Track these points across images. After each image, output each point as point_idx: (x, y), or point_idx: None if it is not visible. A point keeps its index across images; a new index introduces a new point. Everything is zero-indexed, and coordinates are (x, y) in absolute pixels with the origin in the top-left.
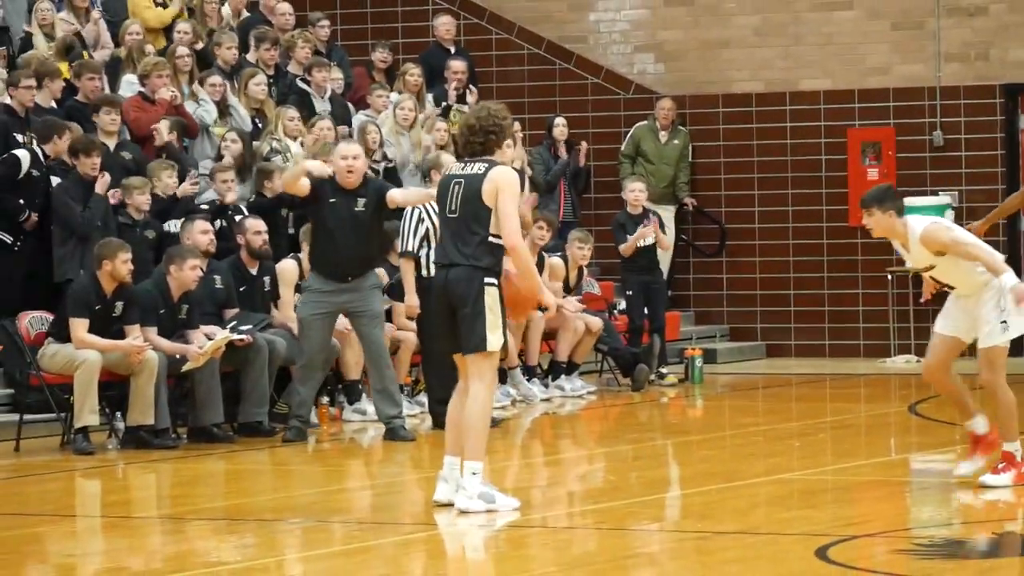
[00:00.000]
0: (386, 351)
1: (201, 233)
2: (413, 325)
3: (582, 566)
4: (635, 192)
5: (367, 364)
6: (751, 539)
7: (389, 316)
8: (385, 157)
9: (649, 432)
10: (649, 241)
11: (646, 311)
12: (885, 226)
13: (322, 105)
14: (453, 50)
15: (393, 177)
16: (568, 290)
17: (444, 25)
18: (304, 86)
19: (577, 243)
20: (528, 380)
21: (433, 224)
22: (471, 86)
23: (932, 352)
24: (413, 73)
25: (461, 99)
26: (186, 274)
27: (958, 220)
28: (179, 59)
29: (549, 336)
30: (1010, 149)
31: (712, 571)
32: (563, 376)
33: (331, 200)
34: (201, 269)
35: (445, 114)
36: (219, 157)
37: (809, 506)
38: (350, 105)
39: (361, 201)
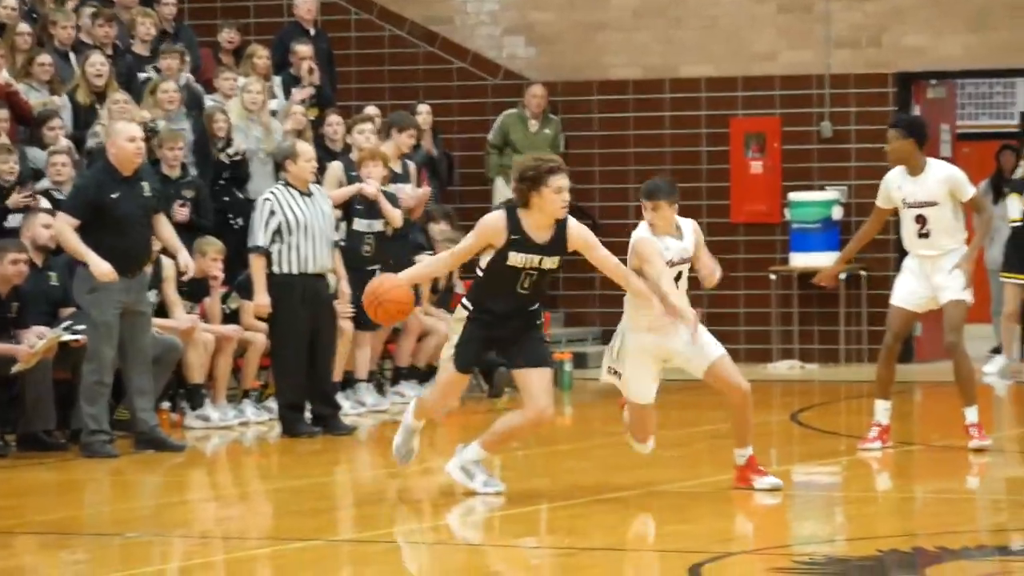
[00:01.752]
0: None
1: (43, 227)
2: (262, 325)
3: None
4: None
5: (130, 369)
6: (620, 556)
7: (237, 316)
8: (229, 144)
9: (513, 442)
10: None
11: None
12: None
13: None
14: (312, 31)
15: (242, 167)
16: (436, 290)
17: (304, 4)
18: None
19: (447, 243)
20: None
21: (287, 218)
22: (314, 70)
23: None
24: (261, 55)
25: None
26: (6, 268)
27: (845, 216)
28: (18, 36)
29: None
30: None
31: None
32: (403, 382)
33: (112, 195)
34: (36, 264)
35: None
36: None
37: (684, 520)
38: (199, 87)
39: (146, 187)
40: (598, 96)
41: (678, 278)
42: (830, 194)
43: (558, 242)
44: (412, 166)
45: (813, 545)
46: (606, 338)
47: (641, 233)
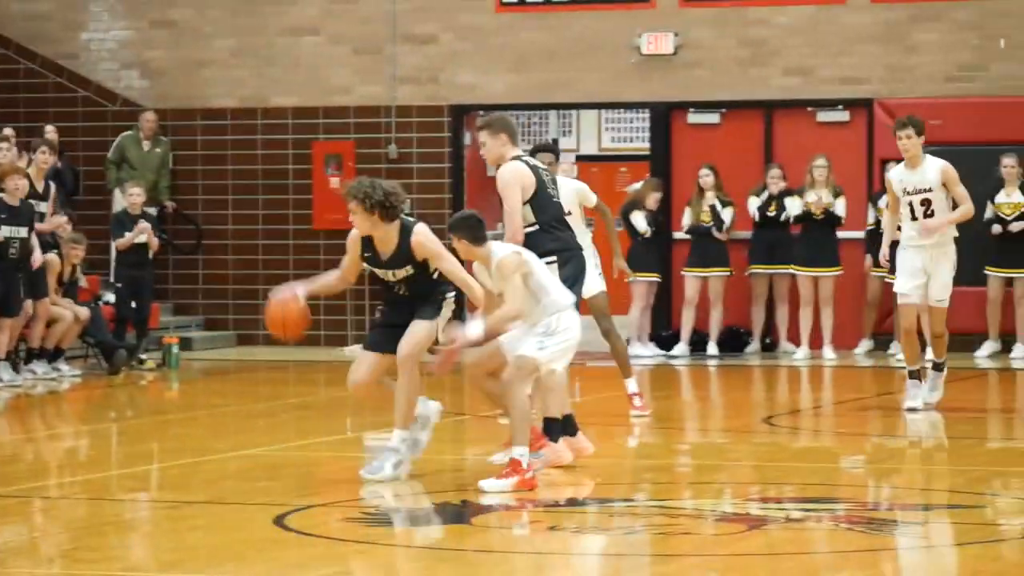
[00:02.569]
0: None
1: None
2: None
3: (65, 532)
4: (134, 196)
5: None
6: (218, 508)
7: None
8: None
9: (129, 411)
10: (143, 239)
11: (133, 304)
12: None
13: None
14: None
15: None
16: (61, 282)
17: None
18: None
19: (72, 244)
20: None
21: None
22: None
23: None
24: None
25: None
26: None
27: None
28: None
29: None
30: (456, 164)
31: (181, 537)
32: (35, 361)
33: None
34: None
35: None
36: None
37: (271, 479)
38: None
39: None
40: (202, 121)
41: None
42: None
43: (403, 254)
44: (53, 188)
45: (377, 499)
46: (209, 325)
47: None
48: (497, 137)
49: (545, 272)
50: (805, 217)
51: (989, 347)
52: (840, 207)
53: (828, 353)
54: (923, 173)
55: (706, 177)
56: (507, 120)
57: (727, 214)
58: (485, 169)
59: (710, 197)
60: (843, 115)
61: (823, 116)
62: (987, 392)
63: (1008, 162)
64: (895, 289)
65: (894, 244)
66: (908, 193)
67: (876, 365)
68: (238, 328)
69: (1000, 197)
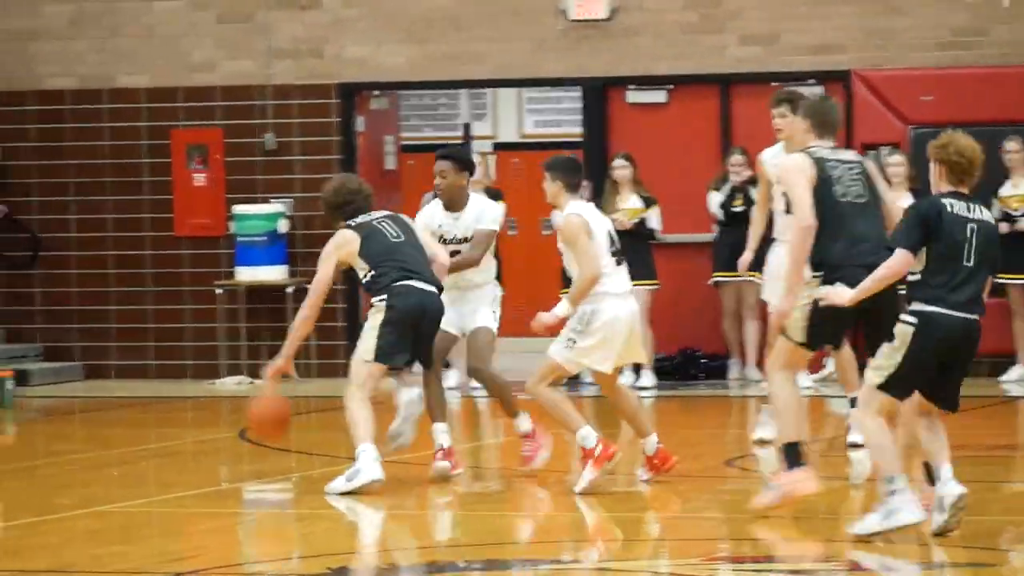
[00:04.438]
0: None
1: None
2: None
3: None
4: None
5: None
6: None
7: None
8: None
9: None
10: None
11: None
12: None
13: None
14: None
15: None
16: None
17: None
18: None
19: None
20: None
21: None
22: None
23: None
24: None
25: None
26: None
27: (291, 229)
28: None
29: None
30: (347, 155)
31: None
32: None
33: None
34: None
35: None
36: None
37: (128, 542)
38: None
39: None
40: (34, 107)
41: None
42: (275, 207)
43: None
44: None
45: (263, 564)
46: (50, 355)
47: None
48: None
49: (603, 248)
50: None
51: (1018, 371)
52: None
53: (805, 380)
54: None
55: (622, 169)
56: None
57: (654, 216)
58: (381, 161)
59: (627, 194)
60: (815, 91)
61: None
62: (1012, 425)
63: (1013, 147)
64: (764, 297)
65: (768, 242)
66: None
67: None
68: (86, 358)
69: (1006, 189)
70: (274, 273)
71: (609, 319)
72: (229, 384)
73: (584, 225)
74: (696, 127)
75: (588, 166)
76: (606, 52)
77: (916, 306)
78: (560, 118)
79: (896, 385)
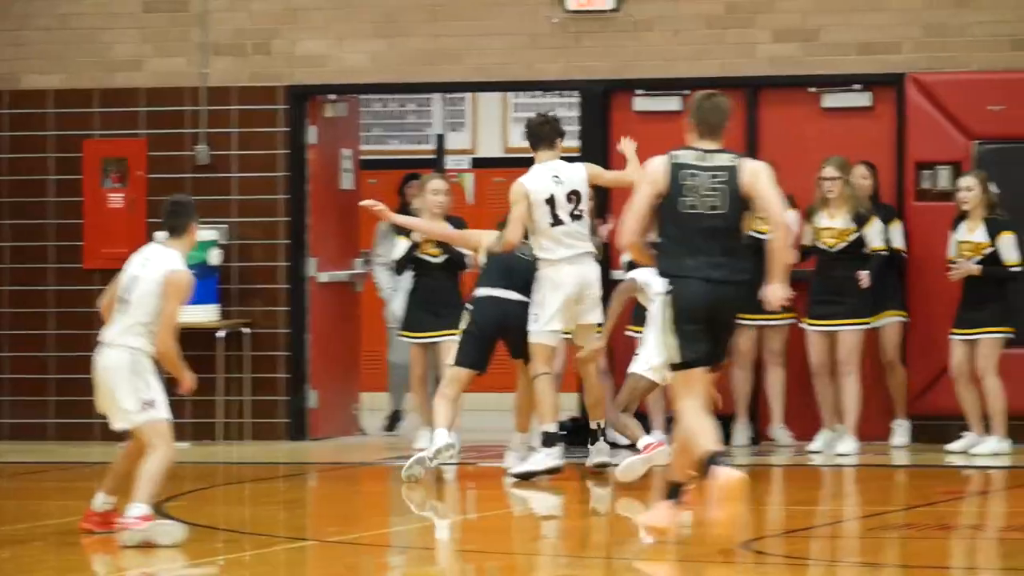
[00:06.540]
0: None
1: None
2: None
3: None
4: None
5: None
6: None
7: None
8: None
9: None
10: None
11: None
12: None
13: None
14: None
15: None
16: None
17: None
18: None
19: None
20: None
21: None
22: None
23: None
24: None
25: None
26: None
27: (226, 261)
28: None
29: None
30: (295, 171)
31: None
32: None
33: None
34: None
35: None
36: None
37: None
38: None
39: None
40: None
41: None
42: (207, 234)
43: None
44: None
45: None
46: None
47: None
48: None
49: None
50: (815, 249)
51: None
52: (876, 234)
53: (846, 445)
54: None
55: None
56: None
57: None
58: (336, 179)
59: None
60: (862, 98)
61: (831, 100)
62: None
63: None
64: None
65: None
66: None
67: (929, 464)
68: None
69: None
70: (202, 313)
71: None
72: None
73: None
74: None
75: None
76: (611, 51)
77: None
78: None
79: None
